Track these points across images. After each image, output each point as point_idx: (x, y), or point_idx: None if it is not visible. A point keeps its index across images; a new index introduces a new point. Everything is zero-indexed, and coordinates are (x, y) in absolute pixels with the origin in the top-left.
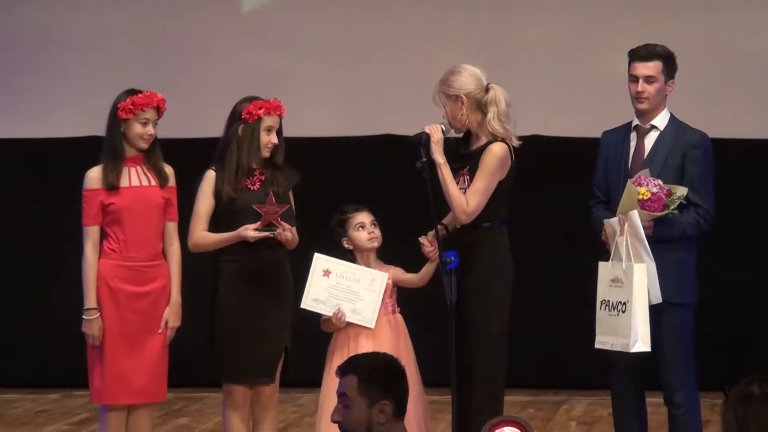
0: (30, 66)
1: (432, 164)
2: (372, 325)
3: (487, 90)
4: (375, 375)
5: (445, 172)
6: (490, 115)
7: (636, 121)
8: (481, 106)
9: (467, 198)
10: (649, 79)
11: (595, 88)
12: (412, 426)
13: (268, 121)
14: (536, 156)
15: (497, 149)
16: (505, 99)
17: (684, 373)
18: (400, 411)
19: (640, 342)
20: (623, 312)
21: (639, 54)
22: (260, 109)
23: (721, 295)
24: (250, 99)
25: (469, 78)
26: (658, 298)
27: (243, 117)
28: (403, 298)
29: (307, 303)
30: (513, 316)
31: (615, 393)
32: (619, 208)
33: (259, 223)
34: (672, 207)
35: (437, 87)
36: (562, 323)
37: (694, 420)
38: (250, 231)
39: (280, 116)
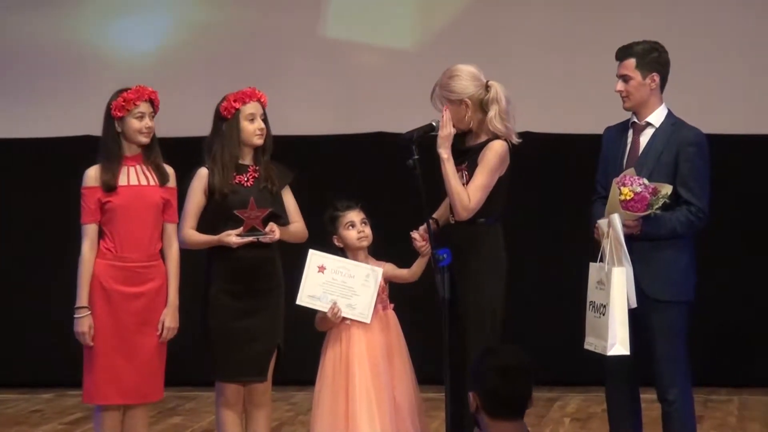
0: (27, 66)
1: (421, 162)
2: (367, 320)
3: (487, 88)
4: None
5: (449, 168)
6: (491, 114)
7: (633, 118)
8: (482, 105)
9: (469, 194)
10: (624, 78)
11: (590, 85)
12: (406, 423)
13: (248, 109)
14: (529, 153)
15: (498, 146)
16: (505, 96)
17: (676, 371)
18: (489, 408)
19: (618, 345)
20: (603, 314)
21: (616, 54)
22: (235, 101)
23: (714, 291)
24: (226, 96)
25: (469, 80)
26: (633, 303)
27: (222, 114)
28: (397, 294)
29: (303, 299)
30: (507, 313)
31: (609, 389)
32: (606, 208)
33: (241, 228)
34: (656, 206)
35: (437, 92)
36: (555, 320)
37: (687, 416)
38: (232, 237)
39: (260, 102)
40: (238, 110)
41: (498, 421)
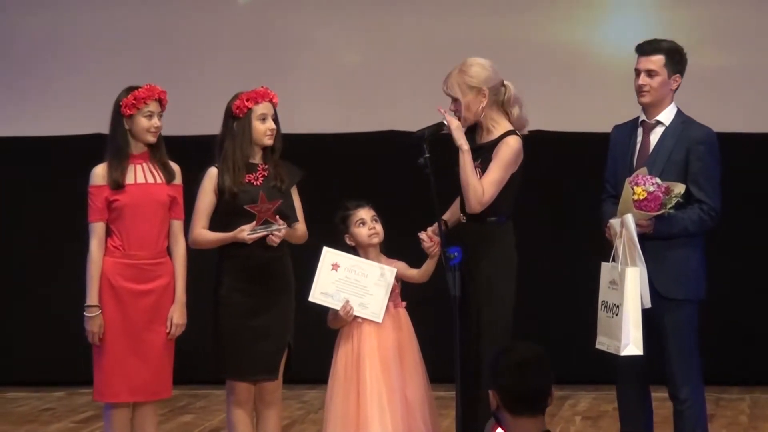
0: (32, 64)
1: (432, 160)
2: (379, 320)
3: (503, 86)
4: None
5: (467, 159)
6: (512, 110)
7: (643, 117)
8: (497, 101)
9: (484, 187)
10: (650, 73)
11: (602, 83)
12: (418, 421)
13: (260, 109)
14: (540, 152)
15: (513, 142)
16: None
17: (688, 369)
18: (508, 405)
19: (632, 345)
20: (616, 314)
21: (642, 48)
22: (247, 100)
23: (726, 289)
24: (237, 95)
25: (491, 72)
26: (647, 303)
27: (234, 113)
28: (408, 292)
29: (315, 296)
30: (518, 312)
31: (620, 388)
32: (619, 208)
33: (253, 223)
34: (669, 206)
35: (455, 78)
36: (566, 318)
37: (698, 414)
38: (246, 233)
39: (271, 102)
40: (250, 110)
41: (519, 418)
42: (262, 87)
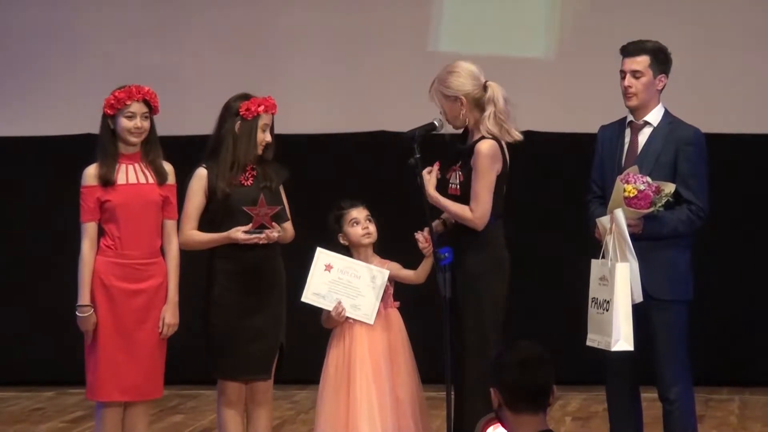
0: (27, 64)
1: (422, 161)
2: (371, 321)
3: (485, 88)
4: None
5: (440, 200)
6: (486, 114)
7: (630, 117)
8: (479, 105)
9: (470, 206)
10: (635, 74)
11: (592, 84)
12: (409, 421)
13: (265, 119)
14: (530, 152)
15: (484, 147)
16: (503, 97)
17: (677, 370)
18: (510, 402)
19: (622, 340)
20: (607, 310)
21: (627, 50)
22: (259, 106)
23: (715, 290)
24: (246, 96)
25: (467, 78)
26: (639, 297)
27: (241, 114)
28: (400, 293)
29: (308, 297)
30: (508, 312)
31: (609, 389)
32: (609, 205)
33: (250, 225)
34: (659, 204)
35: (434, 87)
36: (557, 319)
37: (688, 415)
38: (240, 234)
39: (273, 115)
40: (259, 115)
41: (521, 416)
42: (270, 96)
